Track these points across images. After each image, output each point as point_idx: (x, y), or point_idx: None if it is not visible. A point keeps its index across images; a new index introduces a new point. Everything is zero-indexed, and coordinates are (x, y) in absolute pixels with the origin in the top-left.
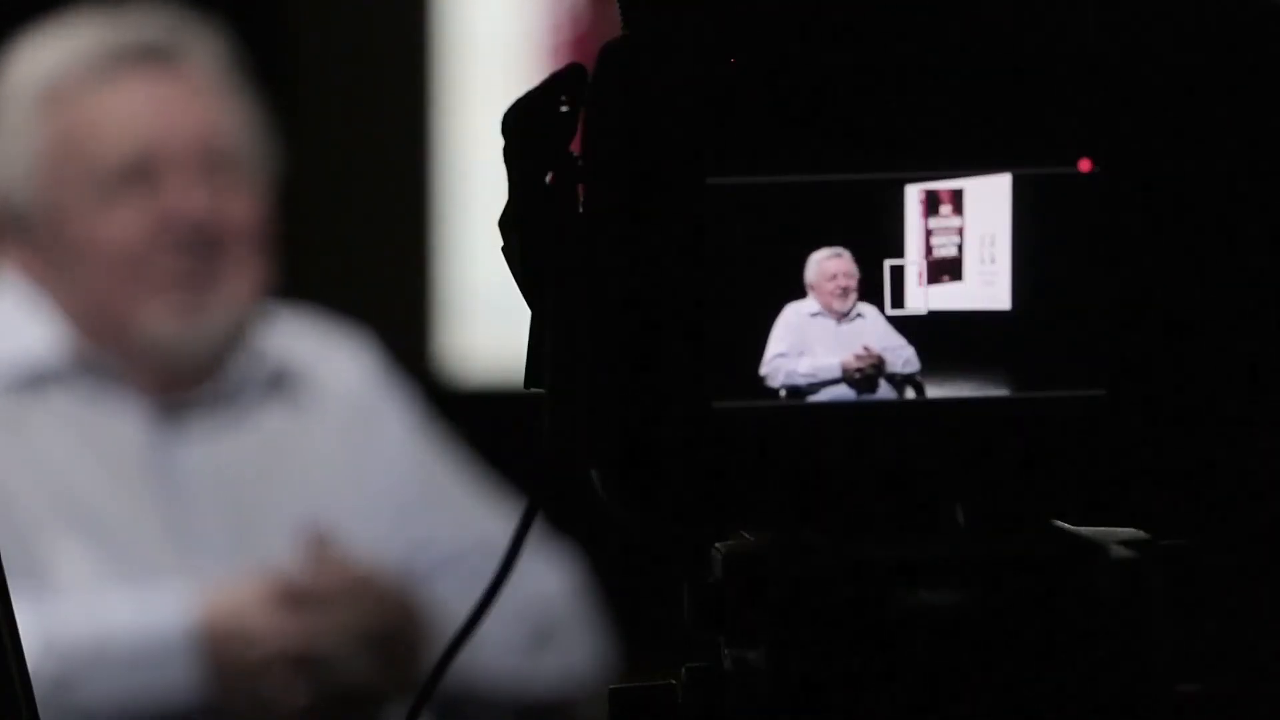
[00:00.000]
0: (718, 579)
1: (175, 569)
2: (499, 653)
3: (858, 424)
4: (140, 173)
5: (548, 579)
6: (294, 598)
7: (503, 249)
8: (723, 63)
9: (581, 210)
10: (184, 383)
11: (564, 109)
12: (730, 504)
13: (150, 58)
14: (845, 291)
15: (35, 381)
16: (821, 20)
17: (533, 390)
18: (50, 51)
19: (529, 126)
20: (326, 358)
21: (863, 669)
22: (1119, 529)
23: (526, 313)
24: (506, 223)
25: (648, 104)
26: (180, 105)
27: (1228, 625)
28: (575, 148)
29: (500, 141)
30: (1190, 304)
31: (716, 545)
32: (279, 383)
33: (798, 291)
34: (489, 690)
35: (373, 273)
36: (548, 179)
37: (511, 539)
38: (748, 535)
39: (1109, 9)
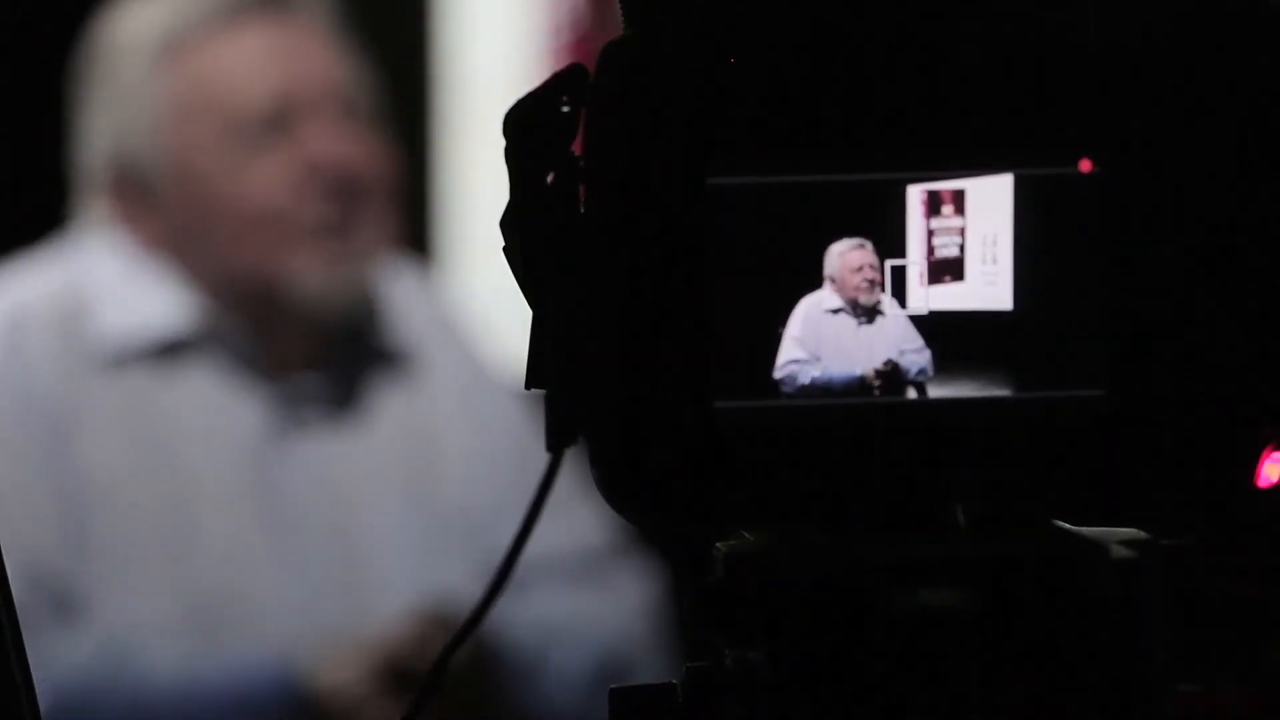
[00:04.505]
0: (718, 579)
1: (273, 581)
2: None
3: (858, 424)
4: (279, 121)
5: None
6: (401, 678)
7: (504, 249)
8: (723, 62)
9: (582, 211)
10: (316, 356)
11: (565, 109)
12: (730, 504)
13: (267, 5)
14: (872, 285)
15: (166, 351)
16: (822, 20)
17: (534, 391)
18: (162, 3)
19: (530, 127)
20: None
21: (863, 669)
22: (1119, 529)
23: (527, 313)
24: (507, 223)
25: (648, 104)
26: (307, 51)
27: (1228, 625)
28: (576, 148)
29: (501, 142)
30: (1190, 304)
31: (717, 545)
32: (398, 362)
33: (799, 292)
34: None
35: None
36: (549, 179)
37: (515, 537)
38: (748, 535)
39: (1109, 9)
